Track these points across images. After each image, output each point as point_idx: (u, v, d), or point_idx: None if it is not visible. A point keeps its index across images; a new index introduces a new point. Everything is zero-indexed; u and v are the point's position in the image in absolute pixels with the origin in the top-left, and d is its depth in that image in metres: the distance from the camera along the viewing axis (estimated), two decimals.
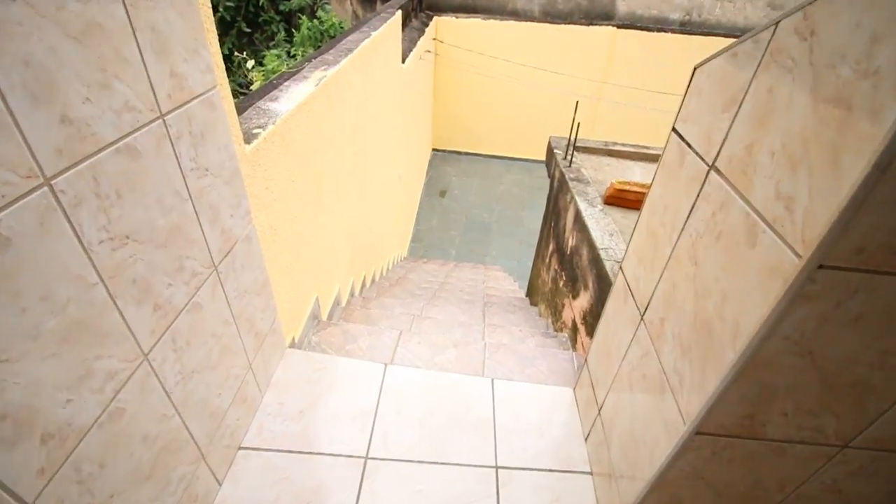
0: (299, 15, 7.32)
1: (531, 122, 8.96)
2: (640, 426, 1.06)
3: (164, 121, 0.89)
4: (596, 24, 7.84)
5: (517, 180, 8.83)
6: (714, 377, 0.78)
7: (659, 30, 7.82)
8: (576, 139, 2.75)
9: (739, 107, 0.78)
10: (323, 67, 2.22)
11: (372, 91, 3.24)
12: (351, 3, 8.20)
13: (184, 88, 0.95)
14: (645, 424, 1.04)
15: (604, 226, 2.20)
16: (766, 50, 0.72)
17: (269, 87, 1.94)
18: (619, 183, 2.52)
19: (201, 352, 1.11)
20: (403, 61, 4.91)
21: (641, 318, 1.12)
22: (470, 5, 8.01)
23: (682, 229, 0.94)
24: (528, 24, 7.92)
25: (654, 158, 3.13)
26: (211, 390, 1.18)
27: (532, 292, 3.58)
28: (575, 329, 2.30)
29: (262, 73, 6.14)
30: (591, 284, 2.10)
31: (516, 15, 8.00)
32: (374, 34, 3.15)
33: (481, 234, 7.19)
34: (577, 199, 2.45)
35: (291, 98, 1.77)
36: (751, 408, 0.78)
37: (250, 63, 2.47)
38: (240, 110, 1.64)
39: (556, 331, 2.64)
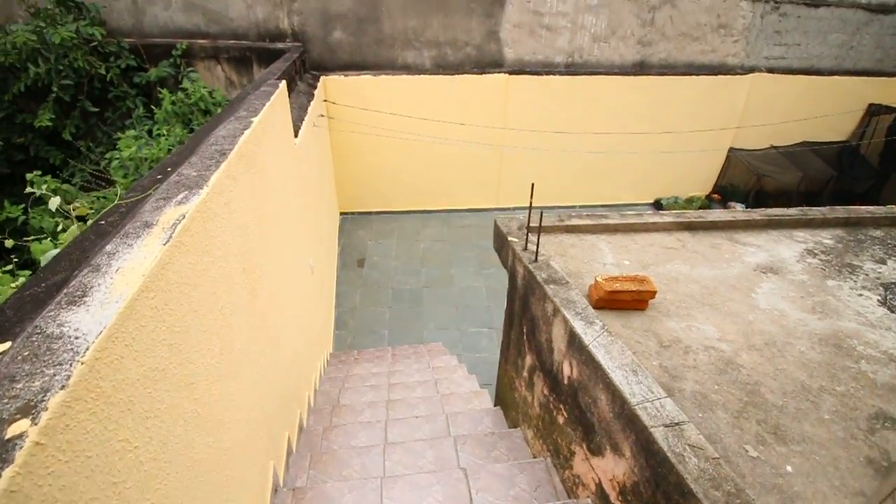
0: (160, 89, 6.28)
1: (439, 173, 8.62)
2: None
3: None
4: (488, 73, 7.85)
5: (437, 234, 8.33)
6: None
7: (547, 73, 8.06)
8: (540, 227, 2.23)
9: None
10: (180, 197, 1.43)
11: (263, 192, 2.46)
12: (223, 69, 7.30)
13: None
14: None
15: (619, 358, 1.64)
16: None
17: (80, 253, 1.11)
18: (606, 281, 2.01)
19: None
20: (296, 135, 4.17)
21: None
22: (358, 62, 7.57)
23: None
24: (422, 77, 7.67)
25: (615, 229, 2.73)
26: None
27: (506, 405, 2.93)
28: (606, 501, 1.68)
29: (118, 163, 4.98)
30: (628, 452, 1.50)
31: (408, 69, 7.72)
32: (255, 120, 2.41)
33: (412, 304, 6.47)
34: (566, 313, 1.88)
35: (116, 289, 0.96)
36: None
37: (54, 201, 1.57)
38: None
39: (566, 486, 1.99)
